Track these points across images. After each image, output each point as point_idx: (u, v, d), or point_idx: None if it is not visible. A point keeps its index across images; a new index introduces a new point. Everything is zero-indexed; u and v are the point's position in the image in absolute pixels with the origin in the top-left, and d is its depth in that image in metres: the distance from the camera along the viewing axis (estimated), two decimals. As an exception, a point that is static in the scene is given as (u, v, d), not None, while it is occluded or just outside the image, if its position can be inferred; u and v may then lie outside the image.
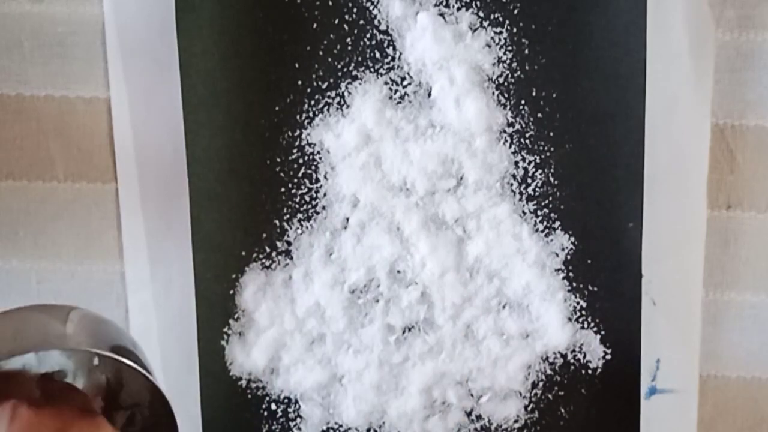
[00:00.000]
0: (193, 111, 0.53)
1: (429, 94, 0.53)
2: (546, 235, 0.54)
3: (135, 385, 0.52)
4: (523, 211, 0.54)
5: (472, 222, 0.54)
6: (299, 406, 0.55)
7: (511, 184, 0.54)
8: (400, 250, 0.54)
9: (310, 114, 0.53)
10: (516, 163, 0.54)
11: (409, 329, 0.55)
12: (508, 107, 0.53)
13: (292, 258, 0.54)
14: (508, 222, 0.54)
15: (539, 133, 0.53)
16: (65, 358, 0.48)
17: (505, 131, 0.53)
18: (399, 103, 0.53)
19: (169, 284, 0.55)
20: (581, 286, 0.55)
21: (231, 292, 0.54)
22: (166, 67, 0.52)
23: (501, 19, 0.52)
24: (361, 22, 0.52)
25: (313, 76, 0.53)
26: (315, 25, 0.52)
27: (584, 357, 0.55)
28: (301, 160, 0.54)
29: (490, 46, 0.53)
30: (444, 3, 0.52)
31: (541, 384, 0.55)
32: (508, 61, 0.53)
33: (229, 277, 0.54)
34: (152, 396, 0.50)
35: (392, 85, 0.53)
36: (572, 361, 0.55)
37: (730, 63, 0.53)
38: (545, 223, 0.54)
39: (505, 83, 0.53)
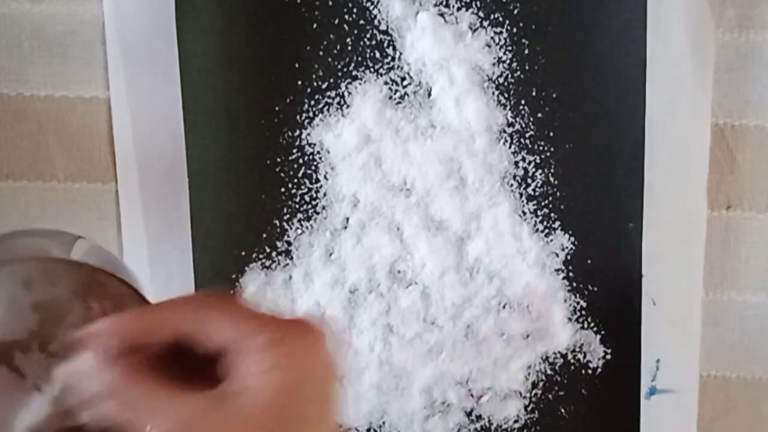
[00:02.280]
0: (193, 111, 0.53)
1: (429, 94, 0.53)
2: (546, 235, 0.54)
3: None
4: (523, 211, 0.54)
5: (472, 222, 0.54)
6: (299, 406, 0.55)
7: (511, 184, 0.54)
8: (400, 250, 0.54)
9: (310, 114, 0.53)
10: (516, 163, 0.54)
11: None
12: (508, 107, 0.53)
13: (292, 258, 0.54)
14: (508, 222, 0.54)
15: (539, 133, 0.53)
16: None
17: (505, 131, 0.53)
18: (399, 103, 0.53)
19: (169, 284, 0.55)
20: (581, 286, 0.55)
21: (231, 292, 0.54)
22: (166, 67, 0.52)
23: (501, 19, 0.52)
24: (361, 22, 0.52)
25: (313, 76, 0.53)
26: (315, 25, 0.52)
27: (584, 357, 0.55)
28: (301, 160, 0.54)
29: (490, 46, 0.53)
30: (444, 3, 0.52)
31: (541, 384, 0.55)
32: (508, 61, 0.53)
33: (229, 277, 0.54)
34: None
35: (392, 85, 0.53)
36: (572, 361, 0.55)
37: (730, 63, 0.53)
38: (545, 223, 0.54)
39: (505, 83, 0.53)
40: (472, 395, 0.56)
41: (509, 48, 0.53)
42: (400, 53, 0.53)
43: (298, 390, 0.37)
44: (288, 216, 0.54)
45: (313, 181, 0.54)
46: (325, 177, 0.54)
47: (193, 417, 0.36)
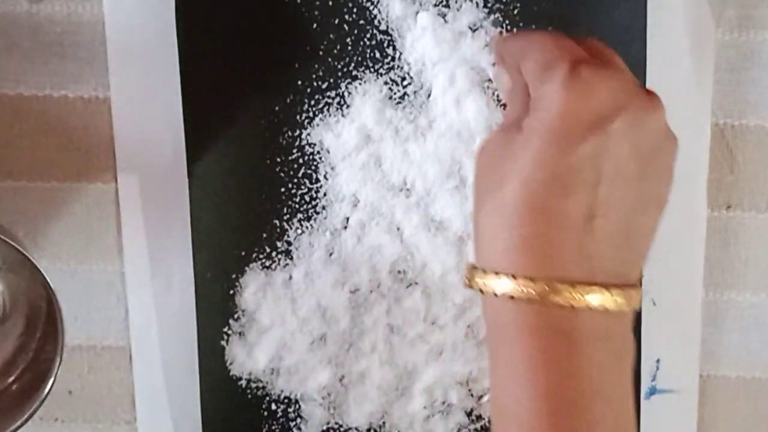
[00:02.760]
0: (193, 111, 0.53)
1: (429, 94, 0.53)
2: (546, 235, 0.54)
3: (27, 288, 0.53)
4: (523, 211, 0.54)
5: (473, 222, 0.54)
6: (300, 407, 0.55)
7: (511, 184, 0.54)
8: (400, 250, 0.54)
9: (310, 114, 0.53)
10: (516, 163, 0.54)
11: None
12: (508, 107, 0.53)
13: (292, 258, 0.54)
14: (508, 222, 0.54)
15: (539, 133, 0.53)
16: None
17: (505, 131, 0.53)
18: (399, 103, 0.53)
19: (169, 284, 0.55)
20: (581, 286, 0.54)
21: (231, 292, 0.54)
22: (166, 67, 0.52)
23: (501, 19, 0.52)
24: (361, 22, 0.52)
25: (313, 76, 0.53)
26: (315, 25, 0.52)
27: (584, 357, 0.55)
28: (301, 160, 0.54)
29: (490, 46, 0.53)
30: (444, 3, 0.52)
31: None
32: (508, 61, 0.53)
33: (229, 277, 0.54)
34: (48, 302, 0.50)
35: (392, 85, 0.53)
36: (572, 361, 0.55)
37: (730, 63, 0.53)
38: (545, 223, 0.54)
39: (505, 83, 0.53)
40: (472, 395, 0.56)
41: (509, 48, 0.53)
42: (400, 53, 0.53)
43: (578, 123, 0.38)
44: (288, 216, 0.54)
45: (313, 181, 0.54)
46: (325, 177, 0.54)
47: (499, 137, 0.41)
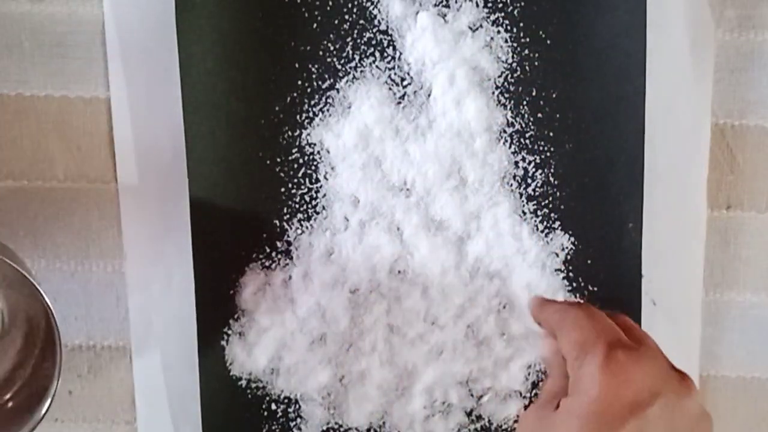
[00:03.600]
0: (193, 111, 0.53)
1: (429, 94, 0.53)
2: (546, 235, 0.54)
3: (26, 305, 0.53)
4: (523, 211, 0.54)
5: (472, 222, 0.54)
6: (299, 407, 0.55)
7: (511, 184, 0.54)
8: (400, 250, 0.54)
9: (310, 114, 0.53)
10: (516, 163, 0.54)
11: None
12: (508, 107, 0.53)
13: (291, 258, 0.54)
14: (508, 222, 0.54)
15: (539, 133, 0.53)
16: None
17: (505, 131, 0.53)
18: (399, 103, 0.53)
19: (169, 284, 0.55)
20: (581, 286, 0.55)
21: (231, 292, 0.54)
22: (166, 67, 0.52)
23: (501, 19, 0.52)
24: (361, 22, 0.52)
25: (313, 76, 0.53)
26: (315, 25, 0.52)
27: (584, 357, 0.55)
28: (301, 160, 0.54)
29: (490, 46, 0.53)
30: (444, 3, 0.52)
31: (541, 384, 0.55)
32: (508, 61, 0.53)
33: (229, 277, 0.54)
34: (46, 319, 0.50)
35: (392, 85, 0.53)
36: (572, 361, 0.55)
37: (730, 63, 0.53)
38: (545, 223, 0.54)
39: (505, 83, 0.53)
40: (472, 395, 0.56)
41: (509, 48, 0.53)
42: (400, 53, 0.53)
43: (617, 405, 0.40)
44: (288, 216, 0.54)
45: (313, 181, 0.54)
46: (325, 177, 0.54)
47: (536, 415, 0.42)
